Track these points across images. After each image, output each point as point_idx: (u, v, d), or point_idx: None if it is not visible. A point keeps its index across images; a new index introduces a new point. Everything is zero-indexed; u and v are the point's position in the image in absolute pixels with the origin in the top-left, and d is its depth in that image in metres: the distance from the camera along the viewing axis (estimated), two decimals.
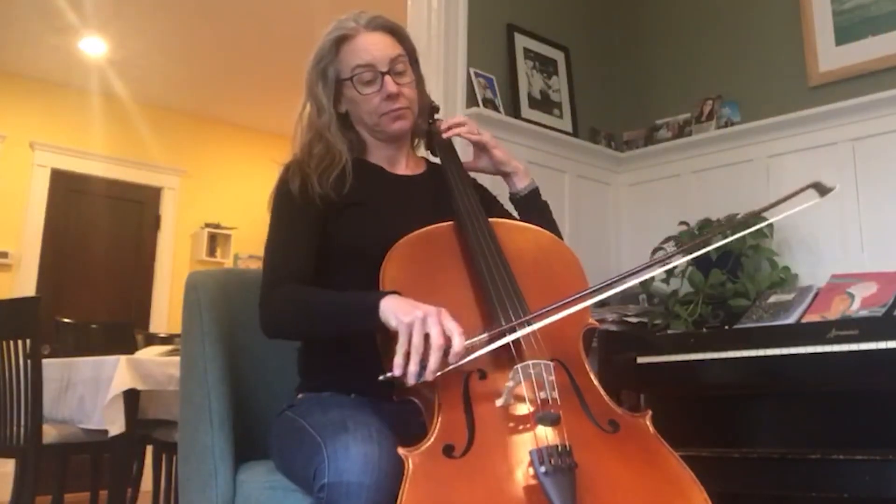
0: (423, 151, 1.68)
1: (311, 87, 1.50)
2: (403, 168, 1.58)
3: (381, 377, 1.14)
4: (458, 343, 1.12)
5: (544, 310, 1.21)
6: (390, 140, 1.54)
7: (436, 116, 1.64)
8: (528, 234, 1.46)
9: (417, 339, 1.11)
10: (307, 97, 1.52)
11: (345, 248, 1.42)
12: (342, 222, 1.43)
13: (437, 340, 1.11)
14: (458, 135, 1.57)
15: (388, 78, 1.45)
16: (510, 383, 1.14)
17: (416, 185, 1.56)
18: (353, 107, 1.51)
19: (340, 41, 1.48)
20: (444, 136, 1.57)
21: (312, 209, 1.41)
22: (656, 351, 2.26)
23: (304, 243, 1.41)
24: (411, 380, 1.12)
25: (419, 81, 1.56)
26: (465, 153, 1.63)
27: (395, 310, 1.16)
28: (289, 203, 1.43)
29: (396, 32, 1.52)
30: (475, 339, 1.18)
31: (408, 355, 1.12)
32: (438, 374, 1.12)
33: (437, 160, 1.60)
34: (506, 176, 1.61)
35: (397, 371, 1.12)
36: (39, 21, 4.51)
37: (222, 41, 4.78)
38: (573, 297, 1.22)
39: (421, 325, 1.12)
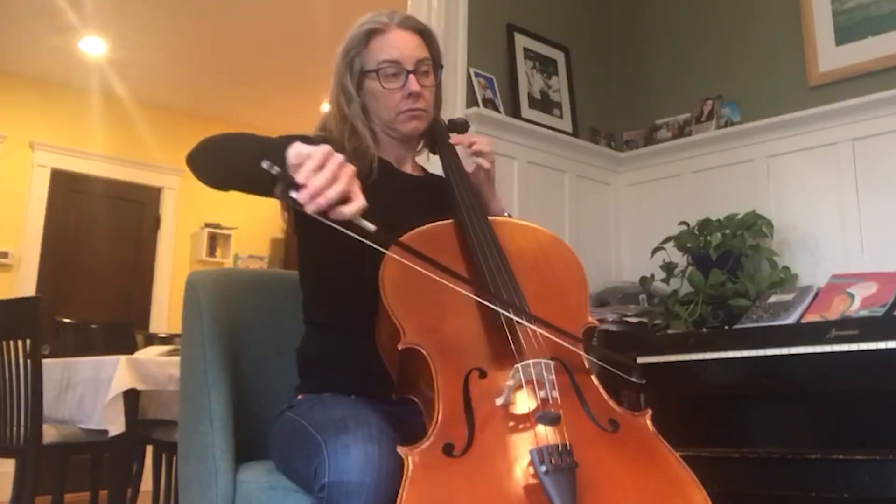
0: (423, 157, 1.69)
1: (340, 77, 1.51)
2: (409, 169, 1.59)
3: (266, 164, 1.07)
4: (352, 206, 1.09)
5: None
6: (401, 139, 1.54)
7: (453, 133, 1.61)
8: (529, 233, 1.46)
9: (334, 166, 1.08)
10: (336, 87, 1.52)
11: (352, 240, 1.42)
12: None
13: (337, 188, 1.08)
14: (475, 153, 1.54)
15: (412, 77, 1.46)
16: (510, 382, 1.14)
17: (420, 187, 1.56)
18: (371, 100, 1.51)
19: (371, 34, 1.49)
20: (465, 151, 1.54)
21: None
22: (656, 351, 2.26)
23: None
24: (304, 197, 1.06)
25: (438, 88, 1.57)
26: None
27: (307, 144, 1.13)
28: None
29: (426, 36, 1.54)
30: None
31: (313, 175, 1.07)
32: (315, 215, 1.09)
33: (433, 167, 1.60)
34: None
35: (300, 178, 1.07)
36: (39, 21, 4.51)
37: (222, 41, 4.77)
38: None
39: (337, 163, 1.09)
